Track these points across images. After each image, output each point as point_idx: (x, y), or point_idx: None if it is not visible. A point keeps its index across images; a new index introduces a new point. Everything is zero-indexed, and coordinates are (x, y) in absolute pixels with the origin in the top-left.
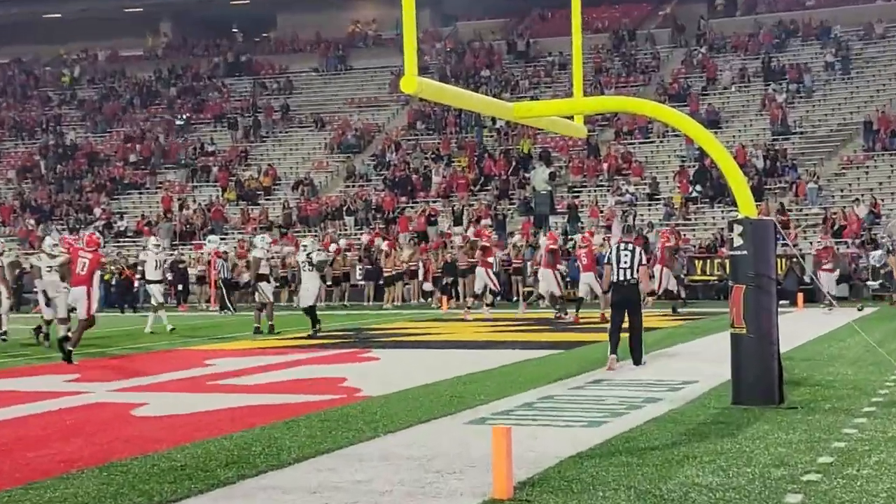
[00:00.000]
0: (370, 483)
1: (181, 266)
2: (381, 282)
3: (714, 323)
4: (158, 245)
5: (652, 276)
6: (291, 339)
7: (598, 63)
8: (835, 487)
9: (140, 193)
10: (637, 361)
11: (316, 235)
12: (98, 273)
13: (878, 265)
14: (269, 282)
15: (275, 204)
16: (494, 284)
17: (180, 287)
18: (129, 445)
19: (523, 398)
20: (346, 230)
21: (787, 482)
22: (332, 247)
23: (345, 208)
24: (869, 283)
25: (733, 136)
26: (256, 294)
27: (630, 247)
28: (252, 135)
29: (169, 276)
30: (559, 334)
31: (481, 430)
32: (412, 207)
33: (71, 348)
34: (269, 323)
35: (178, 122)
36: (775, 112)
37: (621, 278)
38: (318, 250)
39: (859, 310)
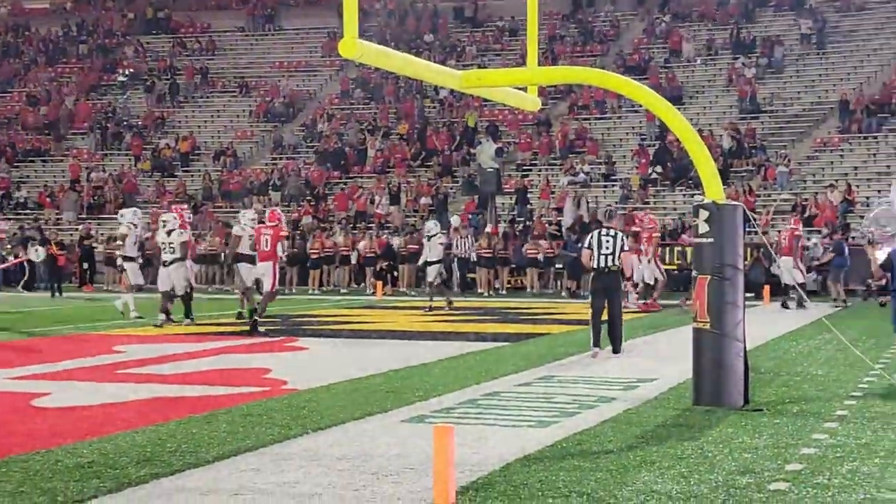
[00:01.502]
0: (297, 485)
1: (86, 243)
2: (308, 265)
3: (674, 316)
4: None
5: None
6: (210, 325)
7: (552, 30)
8: (804, 497)
9: (44, 161)
10: (616, 350)
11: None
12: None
13: (812, 256)
14: (252, 263)
15: (193, 176)
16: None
17: (86, 266)
18: (30, 439)
19: (466, 395)
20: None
21: (754, 491)
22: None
23: (271, 183)
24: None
25: (697, 114)
26: (236, 278)
27: (612, 232)
28: (169, 99)
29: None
30: (504, 325)
31: (420, 430)
32: (345, 183)
33: (258, 318)
34: (250, 308)
35: (120, 79)
36: (744, 88)
37: (602, 265)
38: (180, 230)
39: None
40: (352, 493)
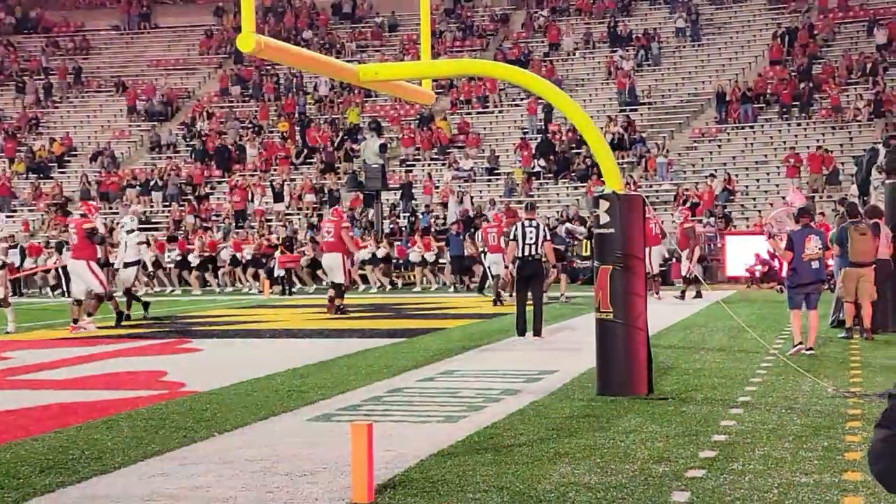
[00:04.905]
0: (210, 489)
1: None
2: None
3: (566, 307)
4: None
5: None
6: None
7: (433, 26)
8: (723, 484)
9: None
10: (536, 332)
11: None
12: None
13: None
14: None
15: (70, 177)
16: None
17: None
18: None
19: (369, 391)
20: (152, 206)
21: (671, 479)
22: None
23: (151, 183)
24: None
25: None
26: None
27: (534, 223)
28: (44, 100)
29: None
30: (397, 321)
31: (328, 428)
32: (226, 182)
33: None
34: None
35: None
36: (622, 80)
37: (526, 254)
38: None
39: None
40: (267, 494)
